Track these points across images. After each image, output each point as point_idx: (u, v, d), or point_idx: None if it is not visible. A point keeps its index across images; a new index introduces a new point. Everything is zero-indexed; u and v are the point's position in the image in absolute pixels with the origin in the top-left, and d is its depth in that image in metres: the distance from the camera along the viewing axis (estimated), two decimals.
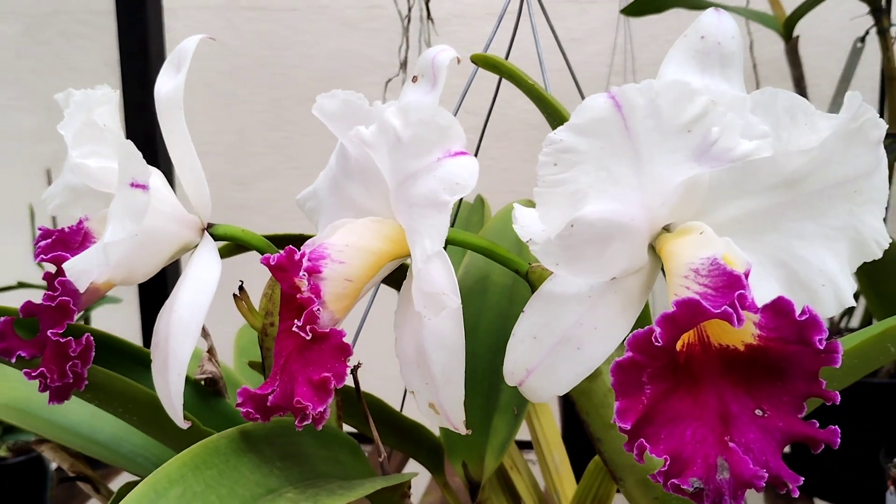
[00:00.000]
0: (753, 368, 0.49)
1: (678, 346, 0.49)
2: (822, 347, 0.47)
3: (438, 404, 0.54)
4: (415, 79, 0.56)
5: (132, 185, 0.52)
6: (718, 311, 0.45)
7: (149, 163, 0.54)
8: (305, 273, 0.53)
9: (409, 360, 0.55)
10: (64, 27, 2.26)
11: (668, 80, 0.43)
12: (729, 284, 0.47)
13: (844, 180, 0.52)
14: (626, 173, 0.46)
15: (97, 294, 0.58)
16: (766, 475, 0.47)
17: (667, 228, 0.53)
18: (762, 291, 0.52)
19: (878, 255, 0.54)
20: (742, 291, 0.46)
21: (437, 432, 0.83)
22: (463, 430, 0.55)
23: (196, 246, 0.61)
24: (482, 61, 0.69)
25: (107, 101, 0.58)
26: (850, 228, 0.53)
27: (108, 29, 1.95)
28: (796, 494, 0.48)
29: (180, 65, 0.59)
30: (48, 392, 0.58)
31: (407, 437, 0.82)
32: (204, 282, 0.57)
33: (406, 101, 0.49)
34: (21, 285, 1.60)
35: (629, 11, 1.39)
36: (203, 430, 0.62)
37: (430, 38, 1.67)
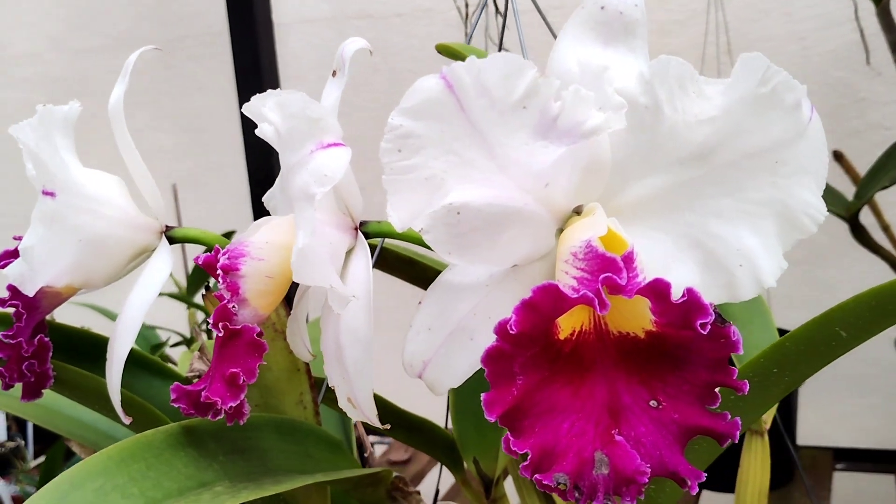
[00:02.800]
0: (653, 357, 0.46)
1: (566, 334, 0.47)
2: (704, 333, 0.43)
3: (354, 398, 0.54)
4: (334, 73, 0.56)
5: (43, 192, 0.55)
6: (578, 296, 0.43)
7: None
8: (221, 271, 0.55)
9: (331, 355, 0.55)
10: (190, 51, 2.40)
11: (494, 55, 0.41)
12: (602, 268, 0.44)
13: (761, 150, 0.48)
14: (478, 157, 0.44)
15: (59, 297, 0.62)
16: (650, 471, 0.44)
17: (577, 211, 0.50)
18: (678, 275, 0.49)
19: (813, 230, 0.49)
20: (609, 275, 0.43)
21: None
22: (377, 423, 0.55)
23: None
24: (444, 50, 0.69)
25: (60, 118, 0.61)
26: (775, 203, 0.49)
27: (228, 48, 2.05)
28: (695, 491, 0.45)
29: (125, 75, 0.61)
30: (22, 389, 0.62)
31: (417, 434, 0.82)
32: (149, 284, 0.60)
33: (283, 96, 0.49)
34: None
35: None
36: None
37: (503, 32, 1.65)
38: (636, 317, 0.47)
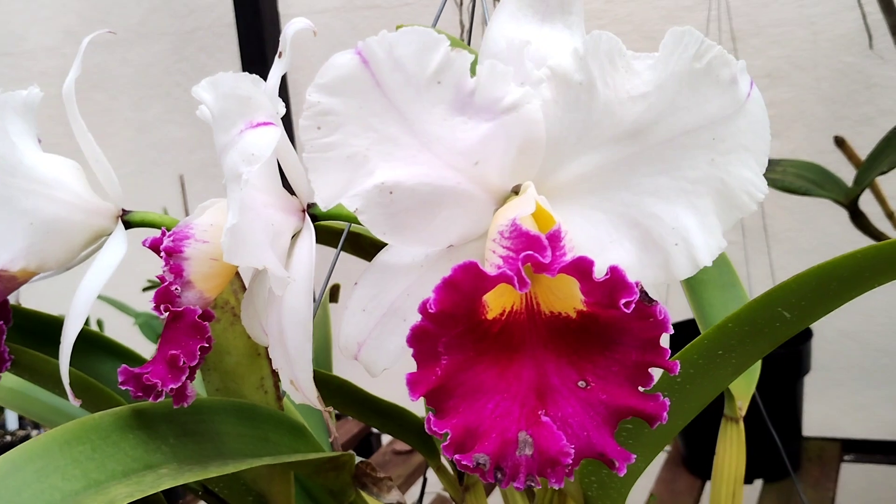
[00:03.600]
0: (584, 338, 0.46)
1: (495, 314, 0.46)
2: (628, 312, 0.42)
3: (295, 380, 0.54)
4: (280, 54, 0.56)
5: None
6: (496, 274, 0.42)
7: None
8: (164, 253, 0.55)
9: (275, 337, 0.55)
10: (203, 42, 2.41)
11: (406, 29, 0.41)
12: (526, 246, 0.44)
13: (697, 127, 0.47)
14: (399, 133, 0.44)
15: (15, 281, 0.62)
16: (573, 452, 0.43)
17: (516, 191, 0.50)
18: (615, 254, 0.48)
19: (753, 207, 0.48)
20: (530, 253, 0.43)
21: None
22: (318, 406, 0.54)
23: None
24: None
25: (20, 102, 0.62)
26: (713, 180, 0.48)
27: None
28: (623, 473, 0.44)
29: (76, 63, 0.62)
30: None
31: (389, 420, 0.82)
32: (102, 268, 0.60)
33: (217, 75, 0.49)
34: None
35: None
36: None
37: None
38: (568, 297, 0.46)
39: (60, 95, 0.62)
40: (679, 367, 0.46)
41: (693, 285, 0.82)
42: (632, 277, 0.48)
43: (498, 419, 0.44)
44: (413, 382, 0.43)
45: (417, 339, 0.44)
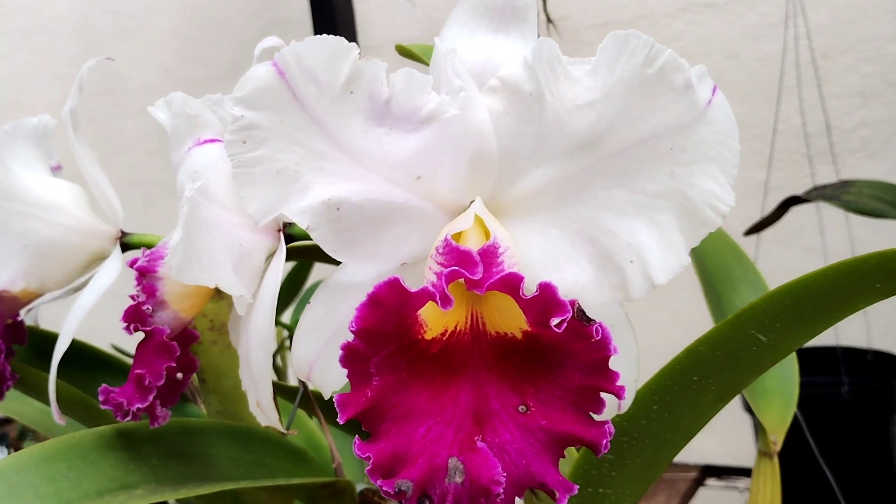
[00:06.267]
0: (528, 360, 0.43)
1: (435, 333, 0.44)
2: (559, 331, 0.40)
3: (259, 401, 0.53)
4: None
5: None
6: (418, 290, 0.40)
7: None
8: (138, 272, 0.55)
9: (243, 358, 0.54)
10: (272, 15, 2.45)
11: (315, 38, 0.40)
12: (456, 262, 0.42)
13: (652, 136, 0.44)
14: (325, 147, 0.42)
15: (18, 302, 0.64)
16: (504, 480, 0.40)
17: None
18: (569, 272, 0.46)
19: (717, 222, 0.45)
20: (456, 269, 0.41)
21: None
22: (280, 428, 0.53)
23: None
24: (402, 52, 0.68)
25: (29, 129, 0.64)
26: (674, 193, 0.44)
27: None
28: (562, 502, 0.41)
29: (78, 88, 0.63)
30: None
31: None
32: (92, 290, 0.61)
33: (170, 95, 0.49)
34: None
35: None
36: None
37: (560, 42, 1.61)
38: (514, 317, 0.44)
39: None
40: (654, 395, 0.43)
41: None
42: (589, 295, 0.45)
43: (428, 444, 0.42)
44: (342, 404, 0.42)
45: (349, 358, 0.42)
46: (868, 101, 1.82)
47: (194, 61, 2.61)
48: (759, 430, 0.73)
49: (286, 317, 1.78)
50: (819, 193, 1.24)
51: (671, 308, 1.91)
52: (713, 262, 0.79)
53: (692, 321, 1.30)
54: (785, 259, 1.80)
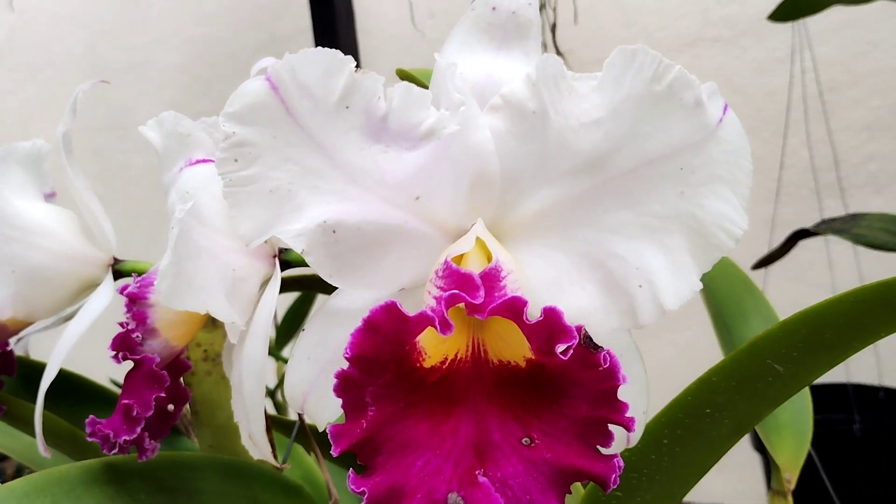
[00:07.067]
0: (532, 390, 0.41)
1: (434, 361, 0.42)
2: (565, 359, 0.38)
3: (252, 434, 0.51)
4: None
5: None
6: (416, 315, 0.38)
7: None
8: (128, 298, 0.53)
9: (236, 387, 0.52)
10: (279, 51, 2.45)
11: (310, 50, 0.38)
12: (456, 285, 0.40)
13: (661, 156, 0.42)
14: (320, 165, 0.41)
15: (5, 331, 0.62)
16: None
17: None
18: (574, 298, 0.44)
19: (730, 245, 0.43)
20: (455, 292, 0.39)
21: None
22: (274, 462, 0.51)
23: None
24: (402, 75, 0.66)
25: (22, 154, 0.62)
26: (684, 216, 0.43)
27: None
28: None
29: (71, 111, 0.62)
30: None
31: None
32: (82, 318, 0.59)
33: (161, 114, 0.48)
34: None
35: (776, 16, 1.24)
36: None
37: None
38: (517, 345, 0.42)
39: None
40: (664, 428, 0.41)
41: None
42: (595, 322, 0.43)
43: (426, 478, 0.39)
44: (336, 435, 0.40)
45: (343, 387, 0.40)
46: (876, 135, 1.81)
47: (201, 95, 2.61)
48: (772, 467, 0.70)
49: (287, 352, 1.76)
50: (828, 227, 1.22)
51: (677, 343, 1.89)
52: (723, 294, 0.77)
53: (701, 358, 1.27)
54: (794, 295, 1.77)
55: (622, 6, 1.99)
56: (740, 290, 0.77)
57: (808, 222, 1.62)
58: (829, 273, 1.66)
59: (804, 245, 1.41)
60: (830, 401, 1.52)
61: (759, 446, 1.44)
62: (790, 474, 0.71)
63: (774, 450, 0.70)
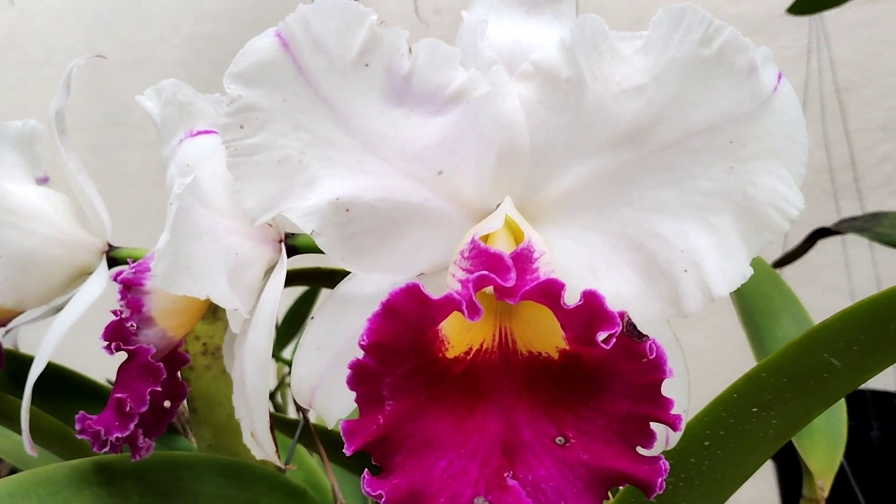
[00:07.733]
0: (566, 383, 0.37)
1: (458, 352, 0.38)
2: (608, 348, 0.34)
3: (254, 431, 0.47)
4: None
5: None
6: (441, 298, 0.34)
7: None
8: (121, 285, 0.49)
9: (238, 382, 0.48)
10: None
11: (327, 1, 0.34)
12: (485, 266, 0.36)
13: (709, 127, 0.38)
14: (333, 133, 0.37)
15: None
16: None
17: None
18: (611, 283, 0.40)
19: (784, 227, 0.39)
20: (485, 274, 0.35)
21: None
22: (277, 462, 0.47)
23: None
24: None
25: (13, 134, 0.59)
26: (733, 193, 0.39)
27: None
28: None
29: (65, 87, 0.58)
30: None
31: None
32: (74, 306, 0.55)
33: (161, 83, 0.44)
34: None
35: (795, 10, 1.20)
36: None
37: None
38: (548, 333, 0.38)
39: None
40: (706, 429, 0.37)
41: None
42: (633, 310, 0.39)
43: (450, 480, 0.35)
44: (349, 432, 0.36)
45: (358, 379, 0.36)
46: (891, 136, 1.77)
47: (202, 92, 2.58)
48: (804, 474, 0.66)
49: (287, 353, 1.72)
50: (850, 225, 1.18)
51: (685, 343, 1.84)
52: (752, 292, 0.73)
53: (711, 360, 1.23)
54: (808, 299, 1.73)
55: (631, 4, 1.95)
56: (769, 288, 0.74)
57: (822, 223, 1.58)
58: (844, 276, 1.62)
59: (819, 248, 1.37)
60: (847, 407, 1.48)
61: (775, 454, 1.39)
62: (823, 481, 0.67)
63: (807, 455, 0.66)
